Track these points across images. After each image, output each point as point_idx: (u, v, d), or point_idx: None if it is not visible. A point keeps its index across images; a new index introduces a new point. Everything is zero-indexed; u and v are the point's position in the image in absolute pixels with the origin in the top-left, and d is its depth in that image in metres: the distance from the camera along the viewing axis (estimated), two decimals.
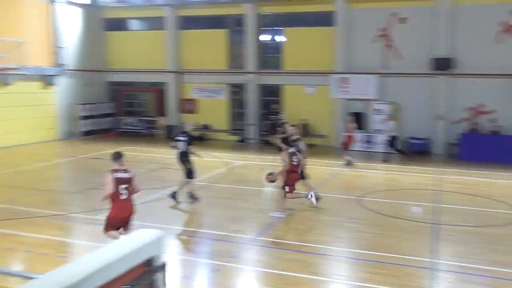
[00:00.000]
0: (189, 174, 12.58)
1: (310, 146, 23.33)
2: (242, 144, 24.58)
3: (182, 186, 12.67)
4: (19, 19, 22.36)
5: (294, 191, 11.76)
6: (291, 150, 11.87)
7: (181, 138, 12.80)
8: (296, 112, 23.76)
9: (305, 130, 23.48)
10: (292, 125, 14.21)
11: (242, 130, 25.47)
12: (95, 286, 3.22)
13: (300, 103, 24.05)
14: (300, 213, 11.87)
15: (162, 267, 3.95)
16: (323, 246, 9.52)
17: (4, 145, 20.85)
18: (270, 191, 14.90)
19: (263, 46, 25.24)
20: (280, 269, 8.26)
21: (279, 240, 9.75)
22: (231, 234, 10.10)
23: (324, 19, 23.45)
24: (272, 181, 12.21)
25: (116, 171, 8.48)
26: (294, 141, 12.61)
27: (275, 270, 8.22)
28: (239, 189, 14.42)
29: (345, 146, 19.16)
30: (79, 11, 26.08)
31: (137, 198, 8.79)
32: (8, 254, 8.94)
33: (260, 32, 24.90)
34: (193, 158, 12.66)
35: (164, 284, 3.97)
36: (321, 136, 23.74)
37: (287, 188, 11.59)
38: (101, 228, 8.83)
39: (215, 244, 9.62)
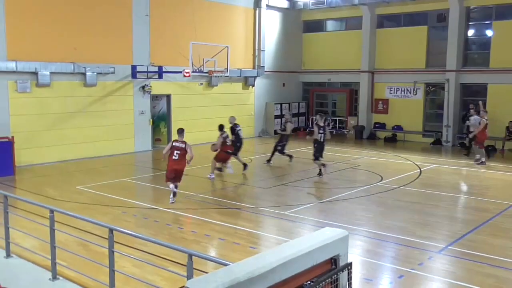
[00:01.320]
0: (237, 150, 16.75)
1: None
2: (436, 147, 23.38)
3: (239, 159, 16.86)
4: (226, 26, 24.45)
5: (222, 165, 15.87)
6: (224, 135, 15.77)
7: (239, 127, 16.96)
8: (503, 113, 21.81)
9: (511, 133, 21.45)
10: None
11: (437, 131, 24.23)
12: (282, 278, 3.38)
13: (508, 103, 21.95)
14: (499, 224, 10.88)
15: (347, 266, 3.95)
16: None
17: (208, 141, 22.90)
18: (465, 198, 13.96)
19: (467, 42, 23.66)
20: (472, 283, 7.66)
21: (473, 252, 9.05)
22: (419, 240, 9.70)
23: None
24: (215, 150, 15.85)
25: (175, 141, 12.50)
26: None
27: (466, 284, 7.65)
28: (431, 193, 13.74)
29: (478, 143, 18.11)
30: (278, 15, 27.42)
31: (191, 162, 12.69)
32: (206, 240, 9.85)
33: (465, 27, 23.35)
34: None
35: (349, 284, 3.96)
36: None
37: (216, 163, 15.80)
38: (288, 223, 9.23)
39: (401, 249, 9.32)
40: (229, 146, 16.02)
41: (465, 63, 23.61)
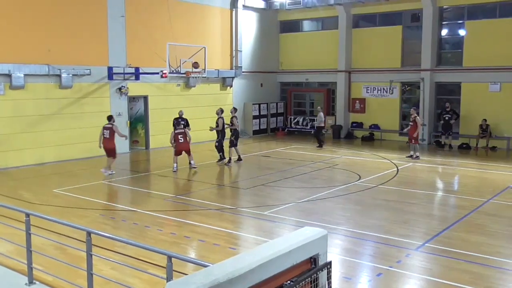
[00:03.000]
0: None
1: (492, 148, 21.70)
2: (412, 145, 23.64)
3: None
4: (203, 26, 24.38)
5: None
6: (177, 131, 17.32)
7: (181, 121, 18.56)
8: (476, 112, 22.23)
9: (485, 131, 21.86)
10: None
11: None
12: (261, 278, 3.39)
13: (481, 102, 22.39)
14: (474, 221, 11.08)
15: (327, 265, 3.98)
16: (500, 259, 8.74)
17: None
18: (441, 195, 14.17)
19: (441, 41, 24.04)
20: (448, 279, 7.80)
21: (449, 248, 9.19)
22: (396, 238, 9.82)
23: None
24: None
25: (175, 129, 17.29)
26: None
27: (443, 280, 7.77)
28: (408, 192, 13.92)
29: (415, 140, 19.27)
30: (255, 15, 27.45)
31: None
32: (186, 242, 9.82)
33: (438, 27, 23.73)
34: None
35: (329, 283, 3.99)
36: (505, 138, 21.90)
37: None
38: (267, 223, 9.28)
39: (379, 247, 9.42)
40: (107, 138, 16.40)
41: (439, 62, 23.98)
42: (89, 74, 19.58)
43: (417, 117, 19.46)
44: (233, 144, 18.34)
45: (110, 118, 16.51)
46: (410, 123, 19.59)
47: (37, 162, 18.16)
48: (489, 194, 13.42)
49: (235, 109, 19.11)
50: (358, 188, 14.26)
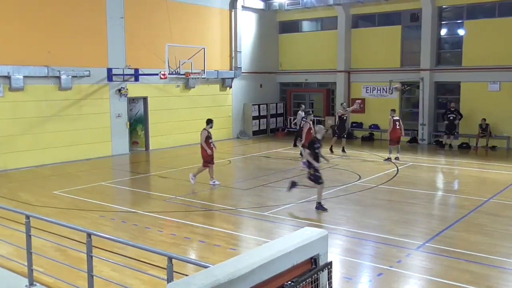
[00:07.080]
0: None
1: (491, 148, 21.70)
2: (412, 145, 23.67)
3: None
4: (202, 27, 24.37)
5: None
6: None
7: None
8: (475, 111, 22.22)
9: (485, 130, 21.84)
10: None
11: (413, 130, 24.52)
12: (262, 279, 3.38)
13: (480, 101, 22.38)
14: (474, 220, 11.08)
15: (327, 266, 3.97)
16: (500, 258, 8.74)
17: (186, 143, 22.85)
18: (441, 195, 14.16)
19: (440, 41, 24.04)
20: (449, 278, 7.79)
21: (449, 248, 9.19)
22: (397, 238, 9.82)
23: None
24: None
25: (207, 132, 14.60)
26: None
27: (443, 280, 7.77)
28: (408, 191, 13.92)
29: (396, 142, 18.85)
30: (254, 16, 27.45)
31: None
32: (186, 243, 9.81)
33: (437, 27, 23.73)
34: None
35: (329, 283, 3.99)
36: (505, 138, 21.90)
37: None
38: (268, 223, 9.27)
39: (379, 247, 9.42)
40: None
41: (438, 62, 23.98)
42: (89, 76, 19.56)
43: (393, 118, 19.04)
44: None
45: (208, 122, 14.92)
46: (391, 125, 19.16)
47: (36, 164, 18.14)
48: (489, 194, 13.41)
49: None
50: (358, 188, 14.26)
